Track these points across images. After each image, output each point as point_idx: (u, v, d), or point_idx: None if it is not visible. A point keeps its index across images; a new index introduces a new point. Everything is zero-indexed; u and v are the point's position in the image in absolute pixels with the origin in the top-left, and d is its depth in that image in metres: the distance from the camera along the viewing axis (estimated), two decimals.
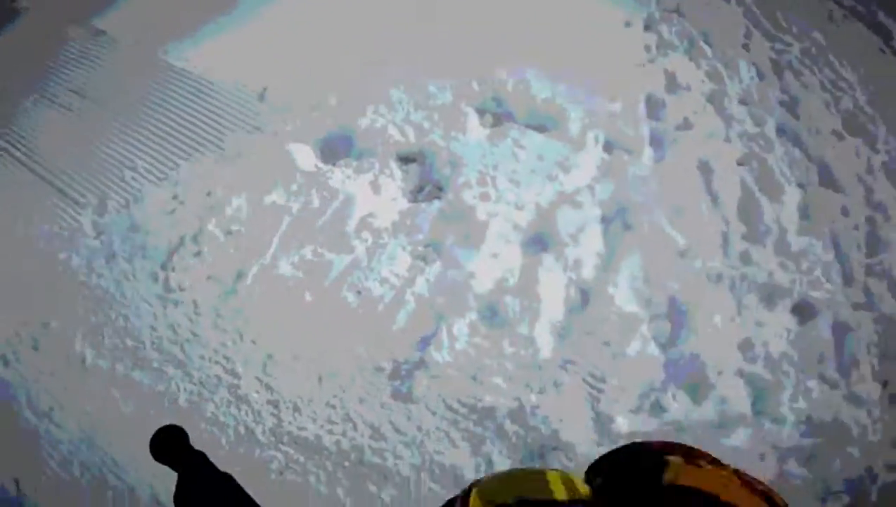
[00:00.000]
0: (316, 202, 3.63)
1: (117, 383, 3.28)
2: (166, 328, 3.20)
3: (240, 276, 3.32)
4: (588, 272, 3.47)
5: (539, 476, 0.87)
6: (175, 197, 3.61)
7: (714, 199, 4.08)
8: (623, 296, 3.37)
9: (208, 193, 3.67)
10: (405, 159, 4.04)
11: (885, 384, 3.38)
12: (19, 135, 4.24)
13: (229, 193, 3.66)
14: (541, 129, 4.32)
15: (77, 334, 3.40)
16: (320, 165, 3.88)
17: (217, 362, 3.22)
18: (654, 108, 4.72)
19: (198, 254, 3.39)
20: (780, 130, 4.72)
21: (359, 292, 3.30)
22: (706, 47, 5.50)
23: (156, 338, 3.25)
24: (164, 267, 3.37)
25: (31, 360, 3.34)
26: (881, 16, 6.63)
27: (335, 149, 4.03)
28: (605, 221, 3.76)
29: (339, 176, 3.78)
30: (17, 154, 4.15)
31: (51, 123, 4.20)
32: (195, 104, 4.12)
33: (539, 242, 3.59)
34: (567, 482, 0.85)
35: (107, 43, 4.50)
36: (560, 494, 0.85)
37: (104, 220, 3.56)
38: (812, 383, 3.27)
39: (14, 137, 4.23)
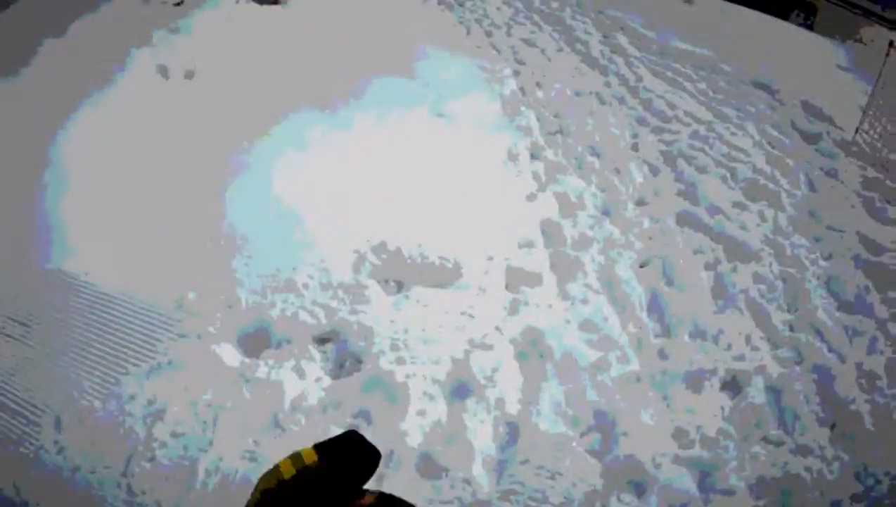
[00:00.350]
0: (247, 394, 4.57)
1: None
2: None
3: (192, 473, 4.17)
4: (512, 407, 4.50)
5: (274, 467, 1.70)
6: (122, 410, 4.49)
7: (621, 307, 5.20)
8: (549, 420, 4.39)
9: (149, 402, 4.54)
10: (321, 340, 5.03)
11: (832, 426, 4.36)
12: None
13: (168, 399, 4.52)
14: (442, 285, 5.48)
15: None
16: (245, 359, 4.84)
17: None
18: (550, 234, 5.94)
19: (151, 459, 4.24)
20: (681, 220, 5.94)
21: None
22: (594, 160, 6.91)
23: None
24: (123, 474, 4.19)
25: None
26: (762, 70, 8.20)
27: (255, 342, 4.97)
28: (519, 356, 4.85)
29: (263, 368, 4.73)
30: None
31: None
32: (122, 321, 5.07)
33: (460, 390, 4.62)
34: (294, 457, 1.68)
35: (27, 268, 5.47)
36: (288, 472, 1.71)
37: (62, 437, 4.41)
38: (756, 449, 4.25)
39: None
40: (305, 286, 5.30)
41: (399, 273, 5.55)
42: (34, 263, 5.51)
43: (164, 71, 7.82)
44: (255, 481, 4.01)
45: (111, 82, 7.46)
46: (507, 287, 5.44)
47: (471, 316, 5.12)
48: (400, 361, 4.72)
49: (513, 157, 7.13)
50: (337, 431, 4.29)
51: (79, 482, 4.25)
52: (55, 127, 6.66)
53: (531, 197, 6.51)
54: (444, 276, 5.51)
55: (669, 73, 8.81)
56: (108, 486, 4.21)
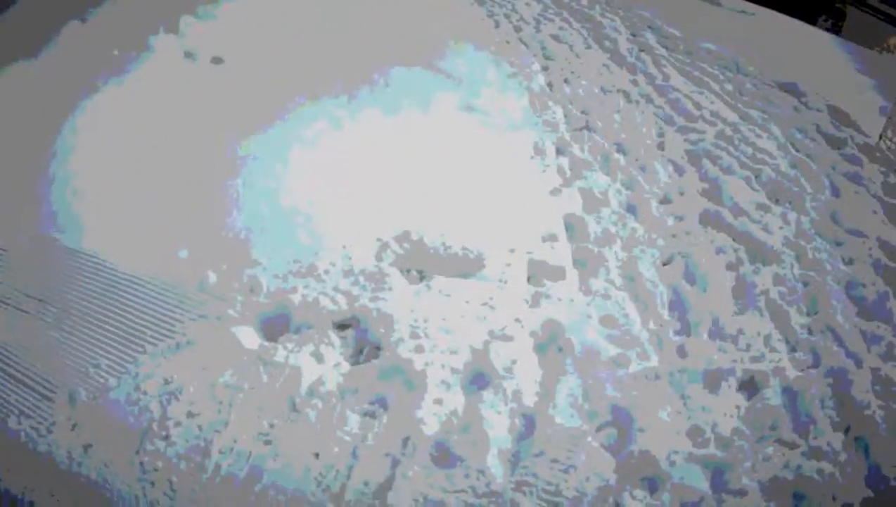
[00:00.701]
0: (265, 377, 4.57)
1: None
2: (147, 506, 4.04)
3: (206, 453, 4.19)
4: (529, 400, 4.51)
5: None
6: (137, 388, 4.51)
7: (642, 304, 5.19)
8: (565, 414, 4.38)
9: (166, 381, 4.56)
10: (341, 326, 5.04)
11: (846, 430, 4.33)
12: None
13: (185, 379, 4.55)
14: (464, 275, 5.48)
15: None
16: (264, 343, 4.83)
17: None
18: (574, 229, 5.94)
19: (165, 437, 4.27)
20: (704, 220, 5.91)
21: (316, 455, 4.20)
22: (620, 157, 6.87)
23: None
24: (137, 452, 4.20)
25: None
26: (789, 73, 8.14)
27: (275, 326, 4.99)
28: (539, 348, 4.85)
29: (282, 351, 4.73)
30: None
31: (12, 326, 4.99)
32: (141, 301, 5.09)
33: (478, 381, 4.63)
34: None
35: (46, 246, 5.53)
36: None
37: (76, 413, 4.43)
38: (770, 450, 4.23)
39: None
40: (327, 272, 5.32)
41: (421, 262, 5.56)
42: (53, 240, 5.54)
43: (191, 56, 7.82)
44: (269, 465, 4.07)
45: (136, 66, 7.52)
46: (528, 280, 5.44)
47: (491, 307, 5.11)
48: (419, 349, 4.73)
49: (539, 151, 7.12)
50: (354, 417, 4.35)
51: (91, 459, 4.27)
52: (78, 109, 6.71)
53: (555, 192, 6.49)
54: (466, 267, 5.51)
55: (696, 73, 8.72)
56: (122, 463, 4.23)
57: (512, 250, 5.66)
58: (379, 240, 5.64)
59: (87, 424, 4.42)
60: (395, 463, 4.13)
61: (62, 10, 8.05)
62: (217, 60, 7.92)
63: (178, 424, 4.36)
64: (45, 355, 4.84)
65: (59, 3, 8.16)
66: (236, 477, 4.13)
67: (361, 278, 5.31)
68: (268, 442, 4.27)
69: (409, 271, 5.51)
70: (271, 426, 4.36)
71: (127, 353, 4.81)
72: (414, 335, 4.85)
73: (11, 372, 4.74)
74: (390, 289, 5.25)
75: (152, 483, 4.11)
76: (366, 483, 4.08)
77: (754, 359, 4.80)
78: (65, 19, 7.90)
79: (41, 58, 7.42)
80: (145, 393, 4.55)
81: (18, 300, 5.20)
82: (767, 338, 4.94)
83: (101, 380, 4.65)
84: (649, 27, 10.25)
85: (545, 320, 5.03)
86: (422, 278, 5.47)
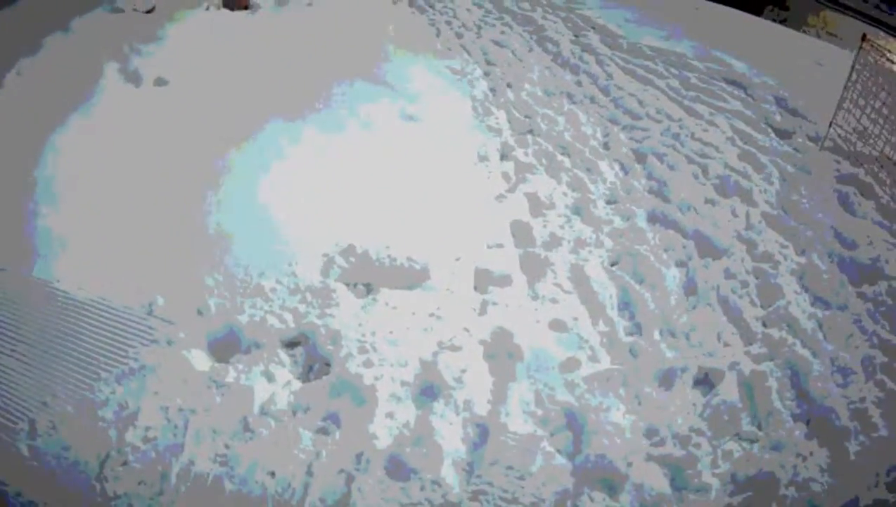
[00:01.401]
0: (217, 399, 4.64)
1: None
2: None
3: (164, 477, 4.27)
4: (481, 408, 4.54)
5: None
6: (94, 415, 4.57)
7: (591, 306, 5.25)
8: (518, 421, 4.42)
9: (121, 407, 4.61)
10: (290, 344, 5.12)
11: (808, 421, 4.38)
12: None
13: (140, 404, 4.61)
14: (410, 286, 5.54)
15: None
16: (215, 364, 4.92)
17: None
18: (520, 235, 5.98)
19: (124, 464, 4.33)
20: (651, 218, 6.02)
21: (272, 474, 4.25)
22: (565, 159, 6.97)
23: None
24: (97, 479, 4.28)
25: None
26: (735, 66, 8.27)
27: (225, 348, 5.07)
28: (488, 356, 4.89)
29: (233, 372, 4.81)
30: None
31: None
32: (93, 327, 5.14)
33: (428, 392, 4.67)
34: None
35: None
36: None
37: (37, 443, 4.49)
38: (730, 445, 4.29)
39: None
40: (273, 291, 5.38)
41: (367, 276, 5.61)
42: (6, 270, 5.57)
43: (136, 79, 7.82)
44: (225, 485, 4.09)
45: (84, 92, 7.53)
46: (475, 288, 5.50)
47: (439, 318, 5.16)
48: (368, 363, 4.78)
49: (482, 157, 7.21)
50: (307, 435, 4.37)
51: (54, 487, 4.34)
52: (28, 136, 6.72)
53: (501, 197, 6.58)
54: (412, 278, 5.56)
55: (640, 71, 8.88)
56: (84, 490, 4.30)
57: (458, 259, 5.72)
58: (324, 255, 5.69)
59: (48, 452, 4.46)
60: (351, 479, 4.17)
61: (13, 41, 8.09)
62: (161, 82, 7.92)
63: (136, 449, 4.41)
64: (2, 386, 4.86)
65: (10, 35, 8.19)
66: (196, 498, 4.17)
67: (308, 295, 5.37)
68: (224, 463, 4.32)
69: (355, 285, 5.56)
70: (227, 446, 4.41)
71: (83, 380, 4.84)
72: (362, 350, 4.90)
73: None
74: (337, 304, 5.30)
75: None
76: (322, 500, 4.13)
77: (708, 355, 4.87)
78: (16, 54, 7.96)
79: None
80: (103, 420, 4.59)
81: None
82: (720, 333, 5.02)
83: (59, 409, 4.68)
84: (592, 27, 10.41)
85: (494, 327, 5.07)
86: (368, 292, 5.51)
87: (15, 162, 6.35)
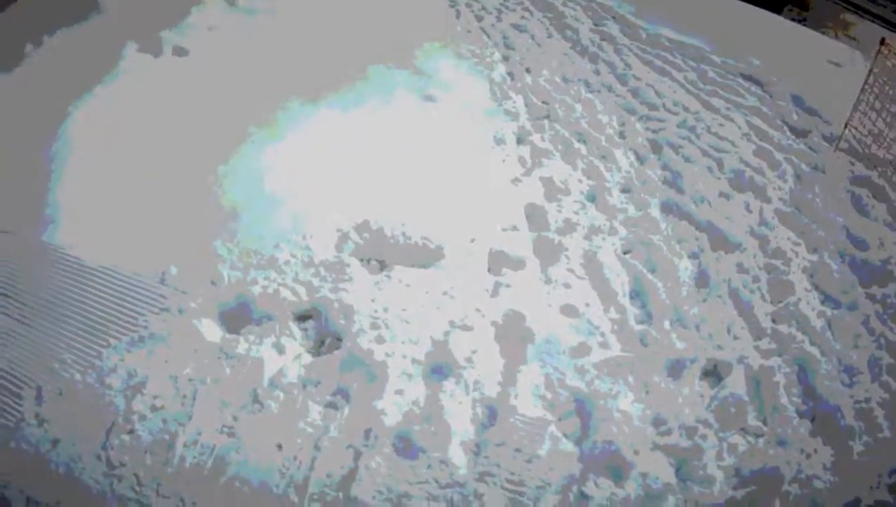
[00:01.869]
0: (227, 370, 4.61)
1: None
2: (115, 502, 4.05)
3: (170, 447, 4.24)
4: (490, 389, 4.53)
5: None
6: (102, 383, 4.53)
7: (603, 293, 5.23)
8: (528, 404, 4.40)
9: (129, 375, 4.59)
10: (302, 317, 5.08)
11: (812, 419, 4.37)
12: None
13: (148, 372, 4.58)
14: (424, 264, 5.50)
15: None
16: (226, 335, 4.88)
17: None
18: (534, 218, 5.96)
19: (131, 432, 4.29)
20: (665, 209, 5.97)
21: (279, 446, 4.23)
22: (581, 146, 6.92)
23: None
24: (103, 447, 4.24)
25: None
26: (753, 62, 8.20)
27: (237, 319, 5.02)
28: (500, 337, 4.86)
29: (244, 343, 4.78)
30: None
31: None
32: (104, 294, 5.10)
33: (439, 371, 4.64)
34: None
35: (7, 240, 5.47)
36: None
37: (43, 409, 4.44)
38: (735, 439, 4.27)
39: None
40: (287, 264, 5.34)
41: (381, 253, 5.57)
42: (18, 234, 5.52)
43: (155, 49, 7.75)
44: (232, 456, 4.05)
45: (103, 61, 7.45)
46: (489, 270, 5.46)
47: (452, 297, 5.13)
48: (379, 339, 4.75)
49: (499, 141, 7.14)
50: (316, 409, 4.35)
51: (59, 454, 4.29)
52: (46, 104, 6.65)
53: (516, 181, 6.53)
54: (426, 256, 5.53)
55: (659, 63, 8.78)
56: (88, 458, 4.24)
57: (472, 240, 5.68)
58: (339, 230, 5.65)
59: (54, 419, 4.42)
60: (358, 455, 4.15)
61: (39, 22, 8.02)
62: (181, 52, 7.87)
63: (142, 418, 4.38)
64: (11, 350, 4.82)
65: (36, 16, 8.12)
66: (201, 470, 4.15)
67: (322, 269, 5.33)
68: (231, 434, 4.29)
69: (369, 261, 5.52)
70: (234, 418, 4.38)
71: (91, 347, 4.80)
72: (374, 326, 4.87)
73: None
74: (350, 279, 5.27)
75: (119, 478, 4.14)
76: (329, 475, 4.10)
77: (717, 347, 4.85)
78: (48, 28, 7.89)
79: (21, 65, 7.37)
80: (110, 387, 4.55)
81: None
82: (730, 327, 5.00)
83: (67, 375, 4.64)
84: (612, 17, 10.30)
85: (506, 310, 5.04)
86: (382, 268, 5.47)
87: (32, 129, 6.30)
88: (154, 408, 4.41)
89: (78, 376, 4.64)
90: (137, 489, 4.09)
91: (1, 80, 6.97)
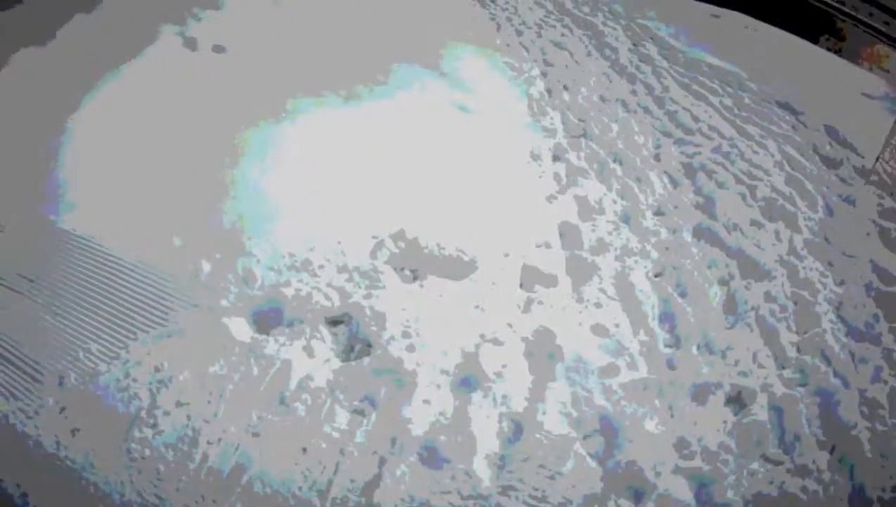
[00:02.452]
0: (255, 370, 4.61)
1: None
2: (133, 494, 4.02)
3: (193, 443, 4.22)
4: (517, 404, 4.56)
5: None
6: (127, 374, 4.54)
7: (633, 314, 5.27)
8: (554, 421, 4.43)
9: (156, 369, 4.58)
10: (333, 322, 5.08)
11: (832, 450, 4.37)
12: None
13: (176, 368, 4.57)
14: (457, 277, 5.52)
15: (46, 503, 4.10)
16: (255, 335, 4.88)
17: None
18: (568, 237, 6.00)
19: (153, 426, 4.29)
20: (697, 234, 5.98)
21: (304, 449, 4.23)
22: (616, 166, 6.93)
23: (125, 502, 4.00)
24: (125, 439, 4.22)
25: None
26: (788, 91, 8.18)
27: (267, 319, 5.02)
28: (529, 353, 4.89)
29: (273, 344, 4.78)
30: None
31: (2, 306, 4.96)
32: (134, 287, 5.10)
33: (467, 383, 4.67)
34: None
35: (42, 226, 5.51)
36: None
37: (64, 397, 4.44)
38: (755, 466, 4.28)
39: None
40: (321, 267, 5.37)
41: (415, 262, 5.60)
42: (49, 221, 5.55)
43: (193, 44, 7.83)
44: (255, 456, 4.07)
45: (139, 53, 7.56)
46: (521, 285, 5.49)
47: (483, 310, 5.16)
48: (410, 348, 4.78)
49: (535, 157, 7.19)
50: (342, 414, 4.37)
51: (78, 444, 4.28)
52: (81, 94, 6.72)
53: (551, 198, 6.57)
54: (459, 269, 5.56)
55: (696, 87, 8.77)
56: (108, 449, 4.24)
57: (506, 255, 5.71)
58: (374, 237, 5.69)
59: (75, 408, 4.41)
60: (383, 462, 4.16)
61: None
62: (218, 49, 7.92)
63: (166, 413, 4.38)
64: (35, 336, 4.81)
65: None
66: (223, 468, 4.15)
67: (356, 275, 5.35)
68: (256, 434, 4.29)
69: (402, 269, 5.55)
70: (260, 418, 4.38)
71: (118, 339, 4.80)
72: (405, 334, 4.90)
73: (0, 351, 4.79)
74: (384, 287, 5.29)
75: (139, 471, 4.13)
76: (352, 480, 4.11)
77: (742, 374, 4.85)
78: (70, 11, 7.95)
79: (47, 45, 7.43)
80: (135, 380, 4.55)
81: (10, 279, 5.19)
82: (756, 354, 4.98)
83: (91, 365, 4.63)
84: (651, 38, 10.30)
85: (537, 326, 5.08)
86: (415, 278, 5.51)
87: (62, 119, 6.36)
88: (179, 404, 4.40)
89: (103, 367, 4.63)
90: (157, 483, 4.08)
91: (35, 60, 7.01)
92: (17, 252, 5.33)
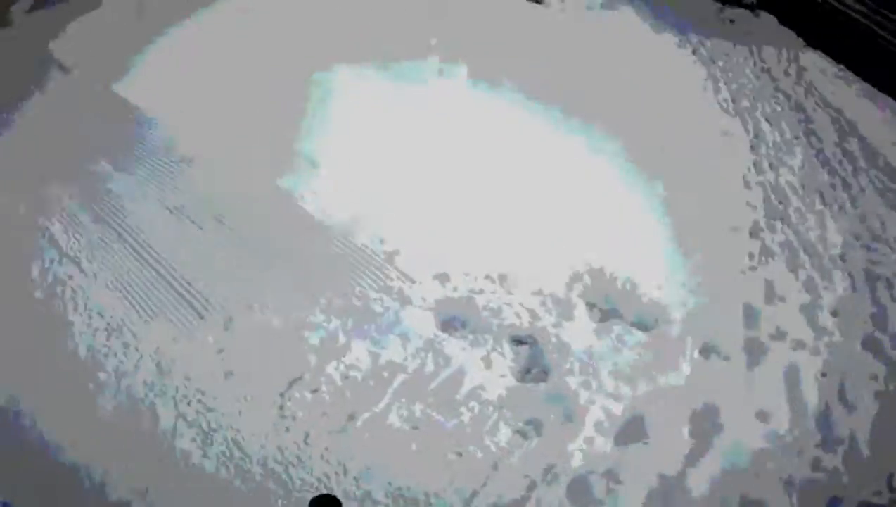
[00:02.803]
0: (430, 366, 4.84)
1: (217, 486, 4.17)
2: (274, 449, 4.20)
3: (351, 418, 4.41)
4: (673, 466, 4.83)
5: None
6: (300, 337, 4.69)
7: (795, 407, 5.59)
8: (701, 490, 4.72)
9: (330, 337, 4.76)
10: (518, 341, 5.34)
11: None
12: (134, 228, 5.18)
13: (351, 342, 4.77)
14: (643, 327, 5.84)
15: (187, 433, 4.29)
16: (438, 333, 5.14)
17: (318, 490, 4.12)
18: (750, 317, 6.37)
19: (315, 391, 4.49)
20: (866, 344, 6.26)
21: (460, 454, 4.46)
22: (805, 257, 7.18)
23: (263, 456, 4.21)
24: (281, 395, 4.40)
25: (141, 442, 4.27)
26: None
27: (453, 320, 5.30)
28: (693, 420, 5.22)
29: (454, 346, 5.01)
30: (132, 243, 5.13)
31: (182, 238, 5.17)
32: (327, 254, 5.28)
33: (630, 432, 4.95)
34: None
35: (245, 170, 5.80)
36: None
37: (227, 338, 4.55)
38: None
39: (126, 225, 5.20)
40: (517, 285, 5.59)
41: (607, 302, 5.88)
42: (265, 176, 5.79)
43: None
44: (411, 446, 4.16)
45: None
46: (699, 352, 5.81)
47: (662, 369, 5.47)
48: (586, 385, 5.03)
49: (734, 229, 7.44)
50: (506, 431, 4.56)
51: (231, 387, 4.41)
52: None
53: (742, 273, 6.84)
54: (648, 319, 5.86)
55: (890, 195, 8.82)
56: (261, 401, 4.39)
57: (693, 318, 6.05)
58: (572, 268, 5.96)
59: (234, 353, 4.56)
60: (533, 486, 4.37)
61: None
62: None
63: (331, 381, 4.54)
64: (210, 274, 4.92)
65: None
66: (375, 448, 4.29)
67: (549, 302, 5.62)
68: (416, 427, 4.48)
69: (594, 306, 5.84)
70: (423, 413, 4.56)
71: (300, 302, 4.88)
72: (584, 371, 5.14)
73: (170, 281, 4.88)
74: (573, 319, 5.56)
75: (287, 429, 4.30)
76: (499, 496, 4.29)
77: (877, 493, 5.03)
78: None
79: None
80: (307, 343, 4.69)
81: (196, 215, 5.40)
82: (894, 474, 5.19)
83: (263, 316, 4.76)
84: (856, 136, 10.26)
85: (705, 398, 5.34)
86: (604, 318, 5.80)
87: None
88: (345, 377, 4.56)
89: (276, 322, 4.71)
90: (302, 445, 4.23)
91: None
92: (208, 186, 5.44)
